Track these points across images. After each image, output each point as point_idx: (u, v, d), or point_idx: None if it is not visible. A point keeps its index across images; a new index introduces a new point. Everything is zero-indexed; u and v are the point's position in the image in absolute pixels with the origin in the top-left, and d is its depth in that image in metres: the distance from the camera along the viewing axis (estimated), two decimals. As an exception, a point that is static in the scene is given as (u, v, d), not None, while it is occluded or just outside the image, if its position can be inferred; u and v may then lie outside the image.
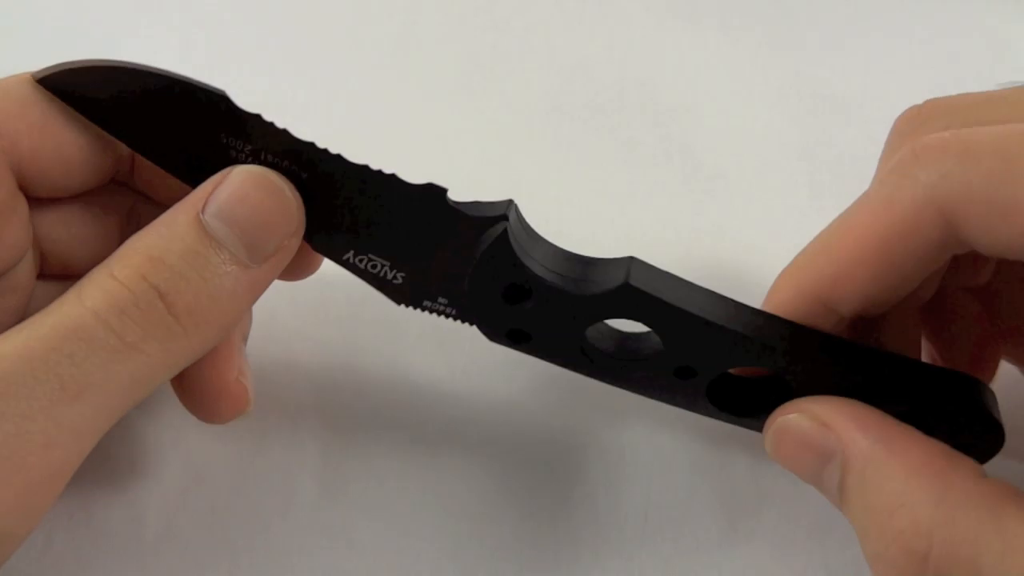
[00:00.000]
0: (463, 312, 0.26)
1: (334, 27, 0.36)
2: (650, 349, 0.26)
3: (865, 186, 0.25)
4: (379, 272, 0.26)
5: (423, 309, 0.27)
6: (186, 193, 0.23)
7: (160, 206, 0.25)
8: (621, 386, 0.27)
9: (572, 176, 0.34)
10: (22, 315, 0.24)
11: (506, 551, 0.30)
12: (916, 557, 0.20)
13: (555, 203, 0.30)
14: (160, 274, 0.22)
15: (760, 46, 0.36)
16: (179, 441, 0.30)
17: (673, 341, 0.25)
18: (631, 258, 0.25)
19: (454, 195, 0.24)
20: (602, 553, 0.30)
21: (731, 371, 0.26)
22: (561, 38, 0.36)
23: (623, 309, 0.24)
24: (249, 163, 0.24)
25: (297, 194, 0.24)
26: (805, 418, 0.23)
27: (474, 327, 0.27)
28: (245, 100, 0.23)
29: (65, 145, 0.24)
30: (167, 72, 0.23)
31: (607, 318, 0.25)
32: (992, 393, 0.25)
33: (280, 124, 0.23)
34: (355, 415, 0.31)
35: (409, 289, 0.26)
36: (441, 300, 0.26)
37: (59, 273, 0.26)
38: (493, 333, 0.26)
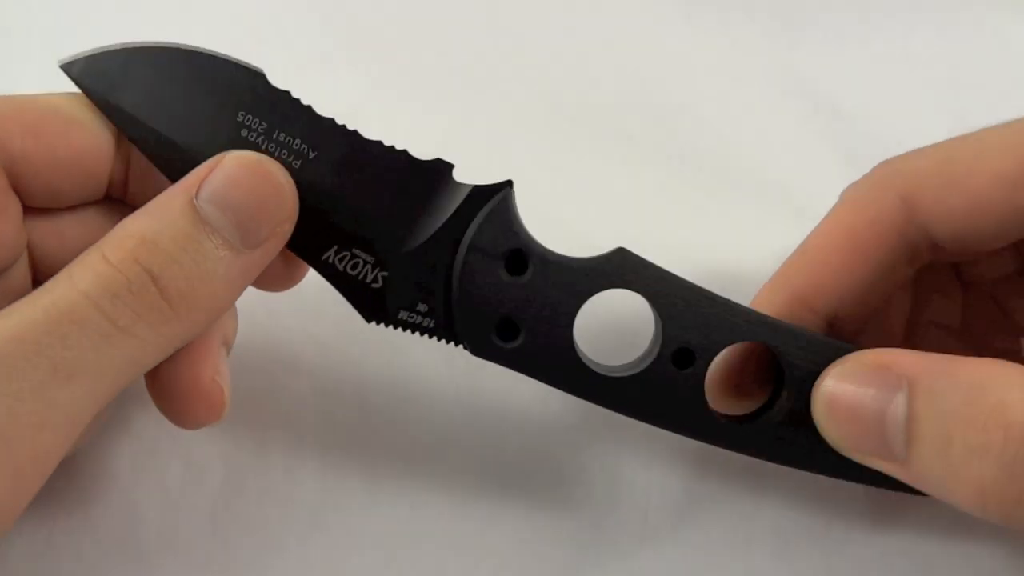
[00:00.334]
0: (441, 324, 0.26)
1: (333, 26, 0.37)
2: (645, 354, 0.26)
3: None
4: (359, 273, 0.25)
5: (396, 324, 0.26)
6: None
7: None
8: (613, 406, 0.26)
9: (571, 175, 0.34)
10: None
11: (506, 551, 0.30)
12: None
13: (552, 201, 0.30)
14: (153, 258, 0.22)
15: (761, 45, 0.36)
16: (179, 441, 0.30)
17: (669, 314, 0.25)
18: (620, 248, 0.25)
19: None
20: (602, 553, 0.30)
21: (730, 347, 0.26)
22: (561, 38, 0.36)
23: (617, 277, 0.25)
24: (260, 141, 0.24)
25: (291, 180, 0.24)
26: (859, 364, 0.23)
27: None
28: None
29: (58, 149, 0.24)
30: (205, 49, 0.24)
31: (601, 289, 0.25)
32: None
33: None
34: (355, 415, 0.31)
35: (387, 295, 0.25)
36: (420, 307, 0.25)
37: None
38: (479, 340, 0.25)
